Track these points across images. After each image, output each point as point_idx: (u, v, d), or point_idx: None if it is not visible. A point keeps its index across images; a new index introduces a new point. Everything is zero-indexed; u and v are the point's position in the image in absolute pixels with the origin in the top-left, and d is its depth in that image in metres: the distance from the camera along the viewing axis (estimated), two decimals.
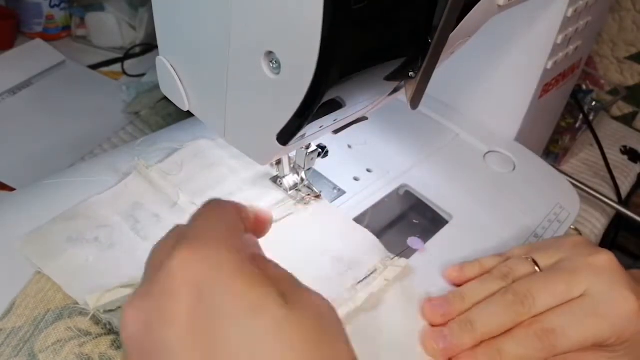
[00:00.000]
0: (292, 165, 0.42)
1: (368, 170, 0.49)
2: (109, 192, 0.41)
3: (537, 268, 0.37)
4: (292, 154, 0.42)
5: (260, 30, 0.27)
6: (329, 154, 0.48)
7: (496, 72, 0.54)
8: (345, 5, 0.24)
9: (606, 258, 0.36)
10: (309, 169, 0.42)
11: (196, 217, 0.27)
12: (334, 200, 0.45)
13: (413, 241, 0.42)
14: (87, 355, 0.31)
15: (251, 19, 0.27)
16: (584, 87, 0.72)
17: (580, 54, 0.58)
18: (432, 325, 0.36)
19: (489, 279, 0.38)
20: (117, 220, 0.39)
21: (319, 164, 0.47)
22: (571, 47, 0.53)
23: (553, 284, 0.35)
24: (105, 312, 0.33)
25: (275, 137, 0.30)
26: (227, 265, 0.23)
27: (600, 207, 0.63)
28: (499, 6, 0.36)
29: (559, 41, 0.49)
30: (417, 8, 0.28)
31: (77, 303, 0.33)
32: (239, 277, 0.22)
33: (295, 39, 0.25)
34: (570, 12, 0.48)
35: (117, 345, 0.32)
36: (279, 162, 0.42)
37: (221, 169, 0.44)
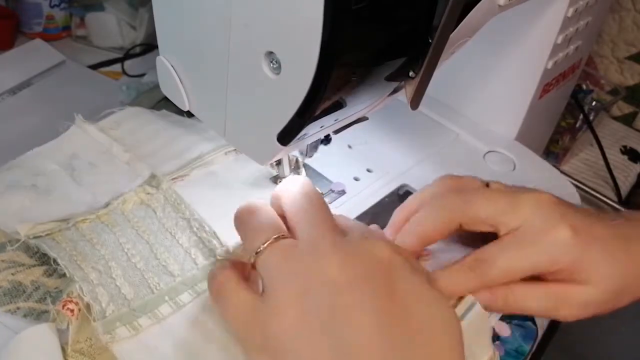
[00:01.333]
0: (292, 166, 0.42)
1: (368, 170, 0.49)
2: (48, 144, 0.43)
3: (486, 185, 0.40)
4: (293, 153, 0.42)
5: (260, 30, 0.27)
6: (329, 153, 0.48)
7: (496, 72, 0.54)
8: (346, 6, 0.24)
9: (548, 195, 0.37)
10: (311, 155, 0.42)
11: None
12: (333, 200, 0.45)
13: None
14: (19, 282, 0.34)
15: (251, 19, 0.27)
16: (584, 87, 0.72)
17: (581, 54, 0.58)
18: None
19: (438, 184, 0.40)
20: (55, 169, 0.42)
21: (319, 164, 0.47)
22: (571, 47, 0.53)
23: (496, 199, 0.36)
24: (35, 237, 0.35)
25: (275, 137, 0.30)
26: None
27: (600, 207, 0.63)
28: (500, 6, 0.36)
29: (559, 41, 0.49)
30: (417, 8, 0.28)
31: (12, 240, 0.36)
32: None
33: (296, 39, 0.25)
34: (570, 12, 0.48)
35: (49, 273, 0.35)
36: (279, 162, 0.42)
37: (156, 125, 0.47)
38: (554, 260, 0.35)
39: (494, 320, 0.38)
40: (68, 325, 0.31)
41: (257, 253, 0.31)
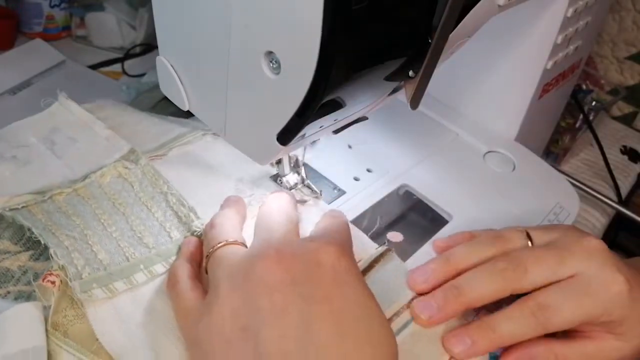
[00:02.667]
0: (292, 165, 0.42)
1: (368, 170, 0.49)
2: (30, 118, 0.44)
3: (529, 243, 0.37)
4: (292, 152, 0.42)
5: (260, 30, 0.27)
6: (329, 154, 0.48)
7: (496, 72, 0.54)
8: (346, 6, 0.24)
9: (597, 242, 0.36)
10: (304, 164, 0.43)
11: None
12: (333, 200, 0.45)
13: (393, 235, 0.42)
14: (6, 268, 0.35)
15: (251, 19, 0.27)
16: (584, 87, 0.72)
17: (580, 54, 0.58)
18: (419, 295, 0.35)
19: (477, 243, 0.37)
20: (35, 142, 0.43)
21: (319, 164, 0.47)
22: (571, 47, 0.53)
23: (546, 258, 0.35)
24: (11, 210, 0.36)
25: (275, 137, 0.30)
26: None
27: (600, 207, 0.63)
28: (499, 6, 0.36)
29: (559, 41, 0.49)
30: (417, 8, 0.28)
31: None
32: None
33: (295, 39, 0.25)
34: (570, 12, 0.48)
35: (35, 257, 0.36)
36: (279, 162, 0.42)
37: (139, 113, 0.49)
38: (608, 313, 0.34)
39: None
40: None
41: (206, 256, 0.33)
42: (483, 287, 0.34)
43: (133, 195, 0.39)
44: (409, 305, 0.35)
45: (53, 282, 0.33)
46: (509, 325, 0.33)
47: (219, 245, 0.32)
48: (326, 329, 0.27)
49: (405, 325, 0.34)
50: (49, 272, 0.33)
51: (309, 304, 0.28)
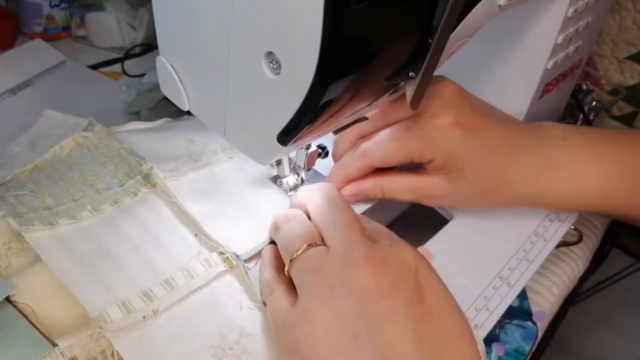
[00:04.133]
0: (292, 166, 0.42)
1: None
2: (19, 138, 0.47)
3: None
4: (292, 154, 0.42)
5: (260, 31, 0.27)
6: (329, 154, 0.48)
7: (496, 72, 0.54)
8: (346, 6, 0.23)
9: (450, 85, 0.39)
10: (308, 169, 0.43)
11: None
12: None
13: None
14: None
15: (251, 19, 0.27)
16: (584, 87, 0.72)
17: (581, 54, 0.58)
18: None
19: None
20: (19, 149, 0.44)
21: (319, 164, 0.47)
22: (571, 47, 0.53)
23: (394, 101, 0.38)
24: None
25: (275, 137, 0.30)
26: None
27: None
28: (500, 6, 0.36)
29: (559, 41, 0.49)
30: (417, 8, 0.27)
31: None
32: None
33: (295, 39, 0.25)
34: (570, 12, 0.47)
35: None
36: (279, 163, 0.42)
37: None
38: (431, 149, 0.37)
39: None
40: None
41: (291, 261, 0.32)
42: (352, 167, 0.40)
43: (89, 157, 0.41)
44: None
45: None
46: (344, 159, 0.40)
47: (299, 252, 0.32)
48: (431, 328, 0.28)
49: None
50: None
51: (411, 306, 0.28)
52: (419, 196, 0.40)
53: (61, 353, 0.29)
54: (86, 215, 0.37)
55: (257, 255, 0.38)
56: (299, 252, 0.32)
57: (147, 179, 0.40)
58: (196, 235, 0.37)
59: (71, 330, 0.30)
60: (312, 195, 0.36)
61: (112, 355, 0.30)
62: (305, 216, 0.35)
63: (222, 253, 0.36)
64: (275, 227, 0.36)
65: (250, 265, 0.37)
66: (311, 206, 0.35)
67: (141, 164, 0.41)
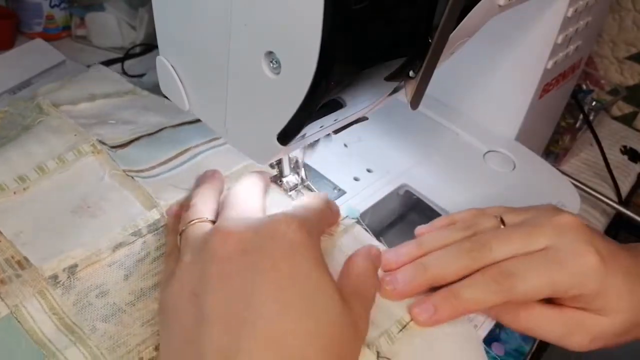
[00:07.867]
0: (292, 166, 0.42)
1: (368, 170, 0.49)
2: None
3: (502, 225, 0.37)
4: (292, 154, 0.42)
5: (260, 30, 0.27)
6: (330, 154, 0.48)
7: (496, 72, 0.54)
8: (346, 5, 0.23)
9: (571, 217, 0.36)
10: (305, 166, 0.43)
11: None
12: (334, 200, 0.45)
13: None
14: None
15: (251, 19, 0.27)
16: (584, 87, 0.72)
17: (581, 54, 0.58)
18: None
19: (450, 229, 0.38)
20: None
21: (319, 164, 0.47)
22: (571, 47, 0.53)
23: (512, 235, 0.35)
24: None
25: (275, 137, 0.30)
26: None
27: (600, 207, 0.63)
28: (500, 6, 0.36)
29: (559, 41, 0.49)
30: (418, 8, 0.27)
31: None
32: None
33: (295, 39, 0.25)
34: (570, 12, 0.48)
35: None
36: (279, 163, 0.42)
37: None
38: (579, 285, 0.33)
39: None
40: None
41: (180, 233, 0.35)
42: (448, 264, 0.35)
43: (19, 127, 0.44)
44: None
45: None
46: (471, 291, 0.34)
47: (189, 223, 0.34)
48: (268, 298, 0.28)
49: None
50: None
51: (254, 273, 0.28)
52: (572, 329, 0.35)
53: None
54: (34, 177, 0.39)
55: None
56: (187, 225, 0.34)
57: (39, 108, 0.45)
58: (75, 135, 0.43)
59: None
60: (237, 183, 0.38)
61: None
62: (214, 193, 0.38)
63: (93, 145, 0.42)
64: (188, 204, 0.37)
65: None
66: (228, 191, 0.37)
67: (62, 117, 0.44)
